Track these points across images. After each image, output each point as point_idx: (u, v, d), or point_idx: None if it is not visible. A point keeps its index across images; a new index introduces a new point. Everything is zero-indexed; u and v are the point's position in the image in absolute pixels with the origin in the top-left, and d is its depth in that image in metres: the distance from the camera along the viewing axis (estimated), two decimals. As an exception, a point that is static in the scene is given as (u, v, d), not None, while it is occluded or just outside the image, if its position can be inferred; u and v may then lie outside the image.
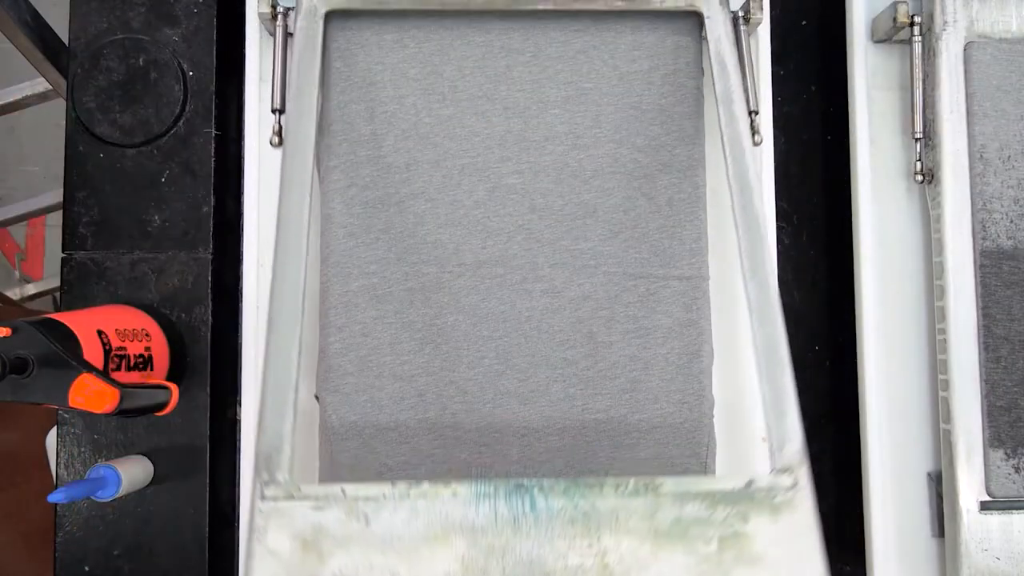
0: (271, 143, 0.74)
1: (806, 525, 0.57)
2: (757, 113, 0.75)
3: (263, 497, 0.55)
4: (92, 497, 0.66)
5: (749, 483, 0.57)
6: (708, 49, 0.71)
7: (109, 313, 0.68)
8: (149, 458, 0.73)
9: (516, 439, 0.70)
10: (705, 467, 0.71)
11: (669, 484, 0.56)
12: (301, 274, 0.62)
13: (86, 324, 0.61)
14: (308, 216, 0.64)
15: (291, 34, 0.74)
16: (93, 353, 0.60)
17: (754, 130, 0.74)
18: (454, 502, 0.56)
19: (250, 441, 0.73)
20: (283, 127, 0.72)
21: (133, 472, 0.69)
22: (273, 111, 0.73)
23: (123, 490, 0.67)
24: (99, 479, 0.65)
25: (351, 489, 0.55)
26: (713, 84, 0.70)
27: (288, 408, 0.57)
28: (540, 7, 0.73)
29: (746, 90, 0.74)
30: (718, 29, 0.72)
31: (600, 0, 0.73)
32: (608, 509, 0.56)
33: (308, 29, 0.70)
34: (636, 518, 0.55)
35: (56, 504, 0.72)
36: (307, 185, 0.65)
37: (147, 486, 0.72)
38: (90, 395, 0.55)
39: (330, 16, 0.72)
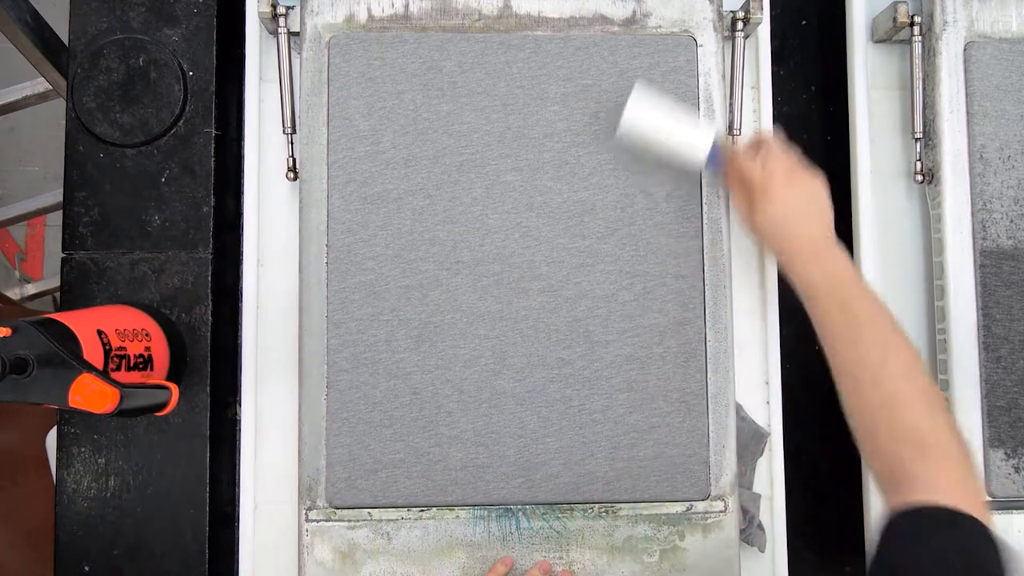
0: (287, 177, 0.75)
1: (729, 541, 0.72)
2: (740, 133, 0.76)
3: (308, 519, 0.70)
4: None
5: (689, 507, 0.71)
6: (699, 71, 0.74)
7: (109, 313, 0.68)
8: (149, 459, 0.73)
9: (513, 440, 0.71)
10: (707, 466, 0.71)
11: (625, 509, 0.71)
12: (324, 324, 0.71)
13: (86, 324, 0.61)
14: (326, 262, 0.71)
15: (294, 34, 0.74)
16: (93, 353, 0.60)
17: None
18: (456, 523, 0.70)
19: (250, 441, 0.74)
20: (296, 158, 0.74)
21: None
22: (284, 132, 0.74)
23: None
24: None
25: (376, 513, 0.71)
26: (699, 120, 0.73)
27: (321, 445, 0.70)
28: (539, 33, 0.73)
29: (732, 109, 0.76)
30: (709, 61, 0.74)
31: (596, 27, 0.74)
32: (576, 528, 0.71)
33: (315, 60, 0.72)
34: (598, 536, 0.72)
35: (56, 504, 0.72)
36: (324, 226, 0.71)
37: (147, 487, 0.72)
38: (90, 395, 0.55)
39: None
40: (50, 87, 1.01)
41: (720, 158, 0.69)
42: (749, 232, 0.69)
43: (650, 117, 0.68)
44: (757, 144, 0.68)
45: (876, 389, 0.57)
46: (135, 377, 0.65)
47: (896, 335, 0.59)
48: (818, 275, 0.63)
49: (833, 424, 0.82)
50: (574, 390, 0.71)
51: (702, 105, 0.74)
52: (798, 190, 0.66)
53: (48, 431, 0.96)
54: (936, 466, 0.52)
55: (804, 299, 0.63)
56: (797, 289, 0.64)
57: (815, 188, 0.66)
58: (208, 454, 0.73)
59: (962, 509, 0.49)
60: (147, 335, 0.68)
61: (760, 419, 0.77)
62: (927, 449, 0.53)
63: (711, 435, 0.71)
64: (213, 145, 0.75)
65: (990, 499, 0.71)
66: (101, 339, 0.61)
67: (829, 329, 0.61)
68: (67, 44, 0.76)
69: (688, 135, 0.68)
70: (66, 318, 0.60)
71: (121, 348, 0.63)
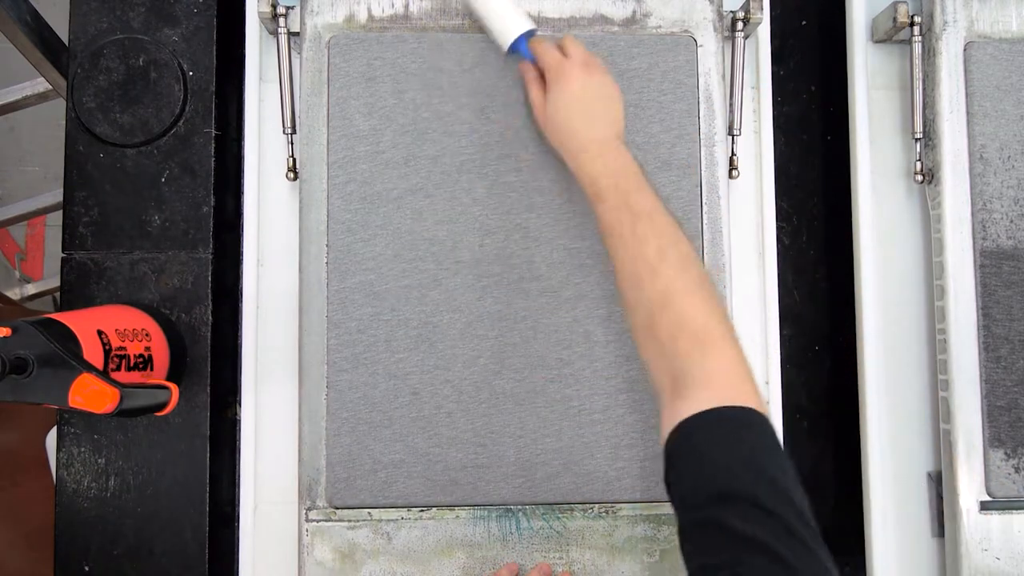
0: (287, 177, 0.75)
1: None
2: (740, 134, 0.76)
3: (308, 519, 0.70)
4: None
5: None
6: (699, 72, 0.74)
7: (109, 313, 0.68)
8: (149, 459, 0.73)
9: (512, 440, 0.70)
10: (705, 467, 0.71)
11: (626, 509, 0.71)
12: (324, 324, 0.71)
13: (86, 324, 0.61)
14: (326, 262, 0.71)
15: (294, 34, 0.74)
16: (93, 353, 0.60)
17: (733, 164, 0.76)
18: (456, 523, 0.71)
19: (250, 441, 0.74)
20: (296, 158, 0.74)
21: None
22: (284, 132, 0.74)
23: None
24: None
25: (376, 513, 0.71)
26: (698, 121, 0.73)
27: (321, 445, 0.70)
28: (539, 33, 0.73)
29: (732, 109, 0.75)
30: (709, 61, 0.74)
31: (596, 27, 0.74)
32: (576, 529, 0.71)
33: (315, 60, 0.73)
34: (598, 536, 0.72)
35: (56, 504, 0.72)
36: (324, 226, 0.71)
37: (147, 487, 0.72)
38: (90, 395, 0.55)
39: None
40: (50, 87, 1.01)
41: (528, 49, 0.69)
42: (541, 126, 0.69)
43: None
44: (562, 43, 0.69)
45: (654, 282, 0.57)
46: (135, 377, 0.65)
47: (674, 229, 0.59)
48: (601, 170, 0.63)
49: (833, 424, 0.82)
50: (574, 390, 0.71)
51: (702, 105, 0.74)
52: (593, 86, 0.66)
53: (48, 431, 0.96)
54: (713, 361, 0.53)
55: (588, 197, 0.64)
56: (582, 186, 0.64)
57: (610, 90, 0.67)
58: (208, 454, 0.73)
59: (738, 403, 0.51)
60: (147, 335, 0.68)
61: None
62: (704, 343, 0.54)
63: None
64: (213, 145, 0.75)
65: (990, 499, 0.71)
66: (101, 339, 0.61)
67: (610, 224, 0.61)
68: (67, 44, 0.76)
69: (510, 17, 0.70)
70: (66, 318, 0.60)
71: (121, 348, 0.63)
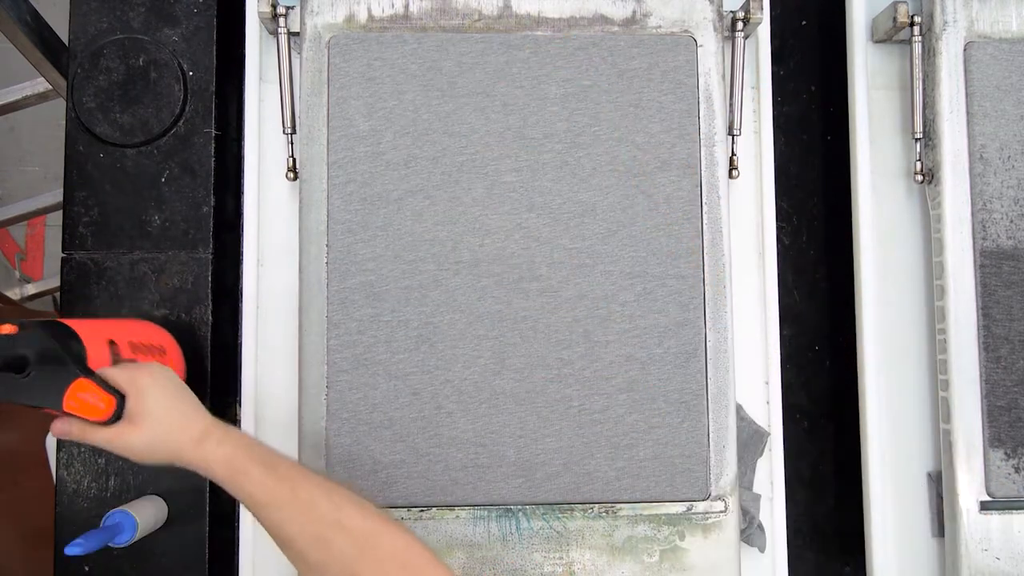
0: (287, 177, 0.75)
1: (730, 541, 0.71)
2: (740, 134, 0.76)
3: None
4: (109, 544, 0.64)
5: (689, 507, 0.71)
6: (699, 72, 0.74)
7: (126, 325, 0.67)
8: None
9: (512, 440, 0.71)
10: (707, 466, 0.71)
11: (626, 509, 0.71)
12: (324, 324, 0.71)
13: (97, 332, 0.60)
14: (326, 262, 0.71)
15: (294, 34, 0.74)
16: (99, 361, 0.58)
17: (733, 164, 0.76)
18: (457, 523, 0.70)
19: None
20: (296, 158, 0.75)
21: (147, 514, 0.68)
22: (284, 132, 0.74)
23: (139, 534, 0.66)
24: (114, 526, 0.64)
25: None
26: (699, 121, 0.73)
27: (321, 445, 0.70)
28: (539, 33, 0.73)
29: (732, 109, 0.76)
30: (709, 61, 0.74)
31: (596, 27, 0.74)
32: (576, 529, 0.71)
33: (315, 60, 0.73)
34: (597, 536, 0.72)
35: (56, 504, 0.72)
36: (324, 226, 0.71)
37: (147, 487, 0.72)
38: (84, 400, 0.54)
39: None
40: (50, 87, 1.01)
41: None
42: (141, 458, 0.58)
43: None
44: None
45: (343, 534, 0.54)
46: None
47: (325, 478, 0.57)
48: (232, 451, 0.57)
49: (833, 424, 0.82)
50: (574, 390, 0.71)
51: (702, 105, 0.74)
52: (156, 396, 0.57)
53: (48, 431, 0.96)
54: None
55: (227, 484, 0.57)
56: (216, 477, 0.57)
57: (167, 373, 0.59)
58: (208, 454, 0.73)
59: None
60: (163, 351, 0.68)
61: (760, 419, 0.77)
62: (416, 569, 0.53)
63: (711, 435, 0.71)
64: (213, 145, 0.75)
65: (990, 499, 0.71)
66: (112, 349, 0.60)
67: (266, 498, 0.56)
68: (67, 44, 0.76)
69: None
70: (76, 323, 0.59)
71: (132, 361, 0.62)
